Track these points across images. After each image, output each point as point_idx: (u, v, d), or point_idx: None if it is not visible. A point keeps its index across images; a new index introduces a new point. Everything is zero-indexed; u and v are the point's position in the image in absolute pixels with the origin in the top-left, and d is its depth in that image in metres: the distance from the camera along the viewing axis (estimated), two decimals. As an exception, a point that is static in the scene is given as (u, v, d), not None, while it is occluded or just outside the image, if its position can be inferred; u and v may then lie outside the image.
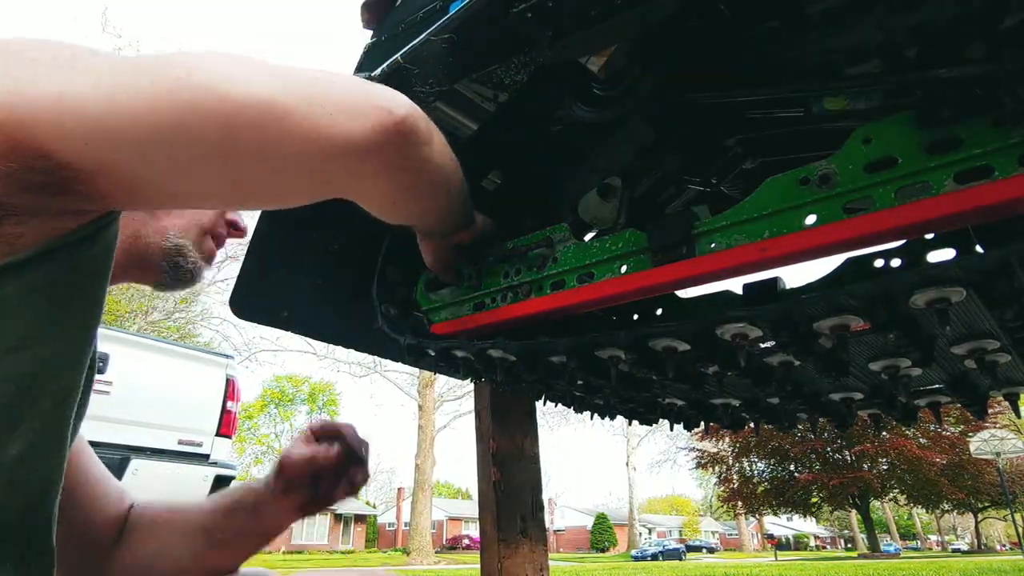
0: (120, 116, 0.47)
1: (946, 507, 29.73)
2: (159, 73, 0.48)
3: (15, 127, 0.45)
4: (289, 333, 1.35)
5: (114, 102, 0.47)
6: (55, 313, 0.51)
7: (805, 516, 30.42)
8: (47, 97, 0.46)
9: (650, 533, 58.33)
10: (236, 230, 0.88)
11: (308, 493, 0.85)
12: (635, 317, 1.20)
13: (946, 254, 0.83)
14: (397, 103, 0.57)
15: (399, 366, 21.33)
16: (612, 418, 1.37)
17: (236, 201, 0.66)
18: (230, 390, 4.96)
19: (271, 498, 0.85)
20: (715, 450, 29.00)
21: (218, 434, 4.81)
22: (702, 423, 1.33)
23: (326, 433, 0.87)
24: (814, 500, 27.43)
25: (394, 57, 0.87)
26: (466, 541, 47.92)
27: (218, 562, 0.87)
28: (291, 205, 0.62)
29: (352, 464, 0.87)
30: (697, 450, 29.35)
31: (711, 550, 50.69)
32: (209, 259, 0.84)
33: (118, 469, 4.06)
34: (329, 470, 0.85)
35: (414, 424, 24.19)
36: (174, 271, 0.79)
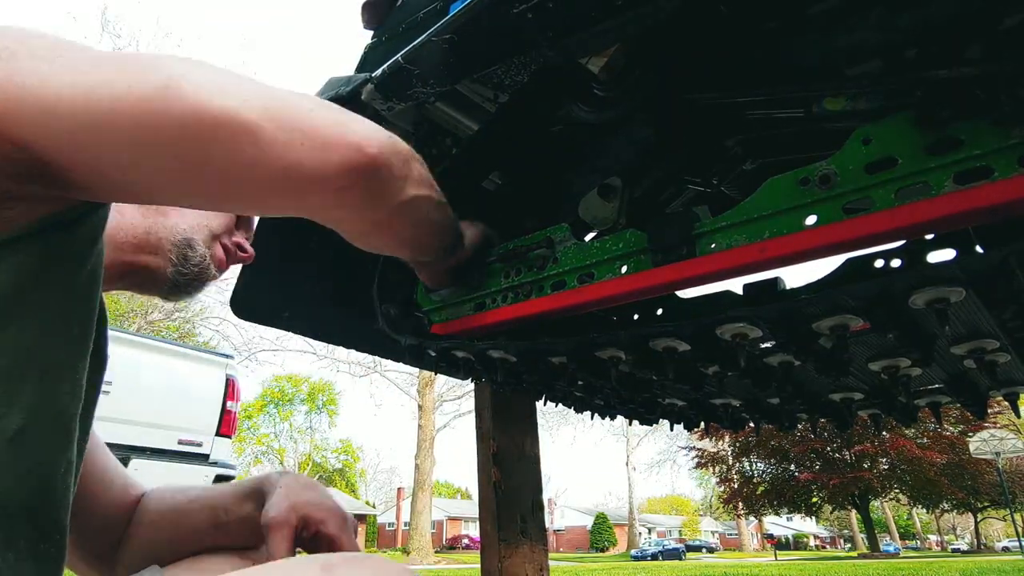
0: (96, 116, 0.47)
1: (946, 507, 29.75)
2: (139, 78, 0.48)
3: None
4: (289, 333, 1.35)
5: (91, 102, 0.47)
6: (26, 295, 0.52)
7: (806, 516, 30.44)
8: (26, 90, 0.46)
9: (650, 533, 58.33)
10: (242, 252, 0.90)
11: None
12: (635, 317, 1.20)
13: (946, 254, 0.83)
14: (370, 140, 0.56)
15: (399, 366, 21.35)
16: (612, 418, 1.38)
17: (212, 206, 0.67)
18: (230, 390, 4.96)
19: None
20: (715, 449, 29.02)
21: (218, 434, 4.82)
22: (702, 423, 1.34)
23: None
24: (814, 500, 27.45)
25: (395, 58, 0.87)
26: (466, 541, 47.93)
27: (219, 541, 0.87)
28: (268, 215, 0.62)
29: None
30: (697, 449, 29.37)
31: (711, 550, 50.70)
32: (219, 265, 0.86)
33: (118, 469, 4.06)
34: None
35: (414, 424, 24.21)
36: (183, 263, 0.81)
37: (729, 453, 28.99)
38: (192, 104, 0.48)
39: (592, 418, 1.37)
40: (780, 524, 62.17)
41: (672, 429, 1.38)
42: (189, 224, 0.83)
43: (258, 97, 0.51)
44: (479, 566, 1.50)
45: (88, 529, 0.83)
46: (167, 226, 0.81)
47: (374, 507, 54.90)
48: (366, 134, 0.56)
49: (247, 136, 0.50)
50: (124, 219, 0.78)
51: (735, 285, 0.97)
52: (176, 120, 0.48)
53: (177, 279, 0.82)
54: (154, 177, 0.53)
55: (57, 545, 0.57)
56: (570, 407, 1.32)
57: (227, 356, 5.36)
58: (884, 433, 22.48)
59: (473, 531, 49.01)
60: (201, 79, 0.49)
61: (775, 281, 0.91)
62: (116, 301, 19.00)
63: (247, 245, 0.91)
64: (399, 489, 49.16)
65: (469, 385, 1.66)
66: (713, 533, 64.11)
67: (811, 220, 0.69)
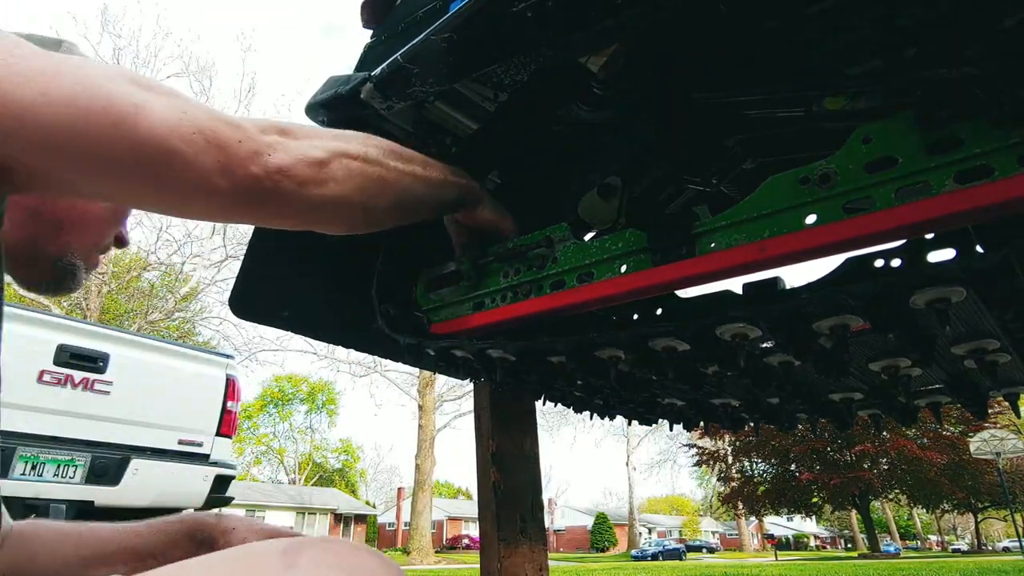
0: (64, 131, 0.49)
1: (946, 507, 29.75)
2: (105, 100, 0.51)
3: None
4: (289, 333, 1.35)
5: (59, 116, 0.49)
6: None
7: (806, 516, 30.46)
8: None
9: (650, 533, 58.34)
10: (120, 243, 0.89)
11: None
12: (635, 317, 1.20)
13: (946, 254, 0.83)
14: (267, 157, 0.58)
15: (399, 366, 21.33)
16: (612, 418, 1.37)
17: (136, 207, 0.69)
18: (230, 390, 4.95)
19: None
20: (714, 448, 29.06)
21: (218, 434, 4.81)
22: (702, 423, 1.34)
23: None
24: (815, 500, 27.45)
25: (394, 56, 0.87)
26: (466, 541, 47.92)
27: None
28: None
29: None
30: (697, 447, 29.41)
31: (711, 550, 50.71)
32: (92, 270, 0.85)
33: (118, 469, 4.06)
34: None
35: (414, 424, 24.22)
36: (57, 285, 0.79)
37: (729, 453, 29.01)
38: (147, 134, 0.52)
39: (592, 418, 1.37)
40: (780, 524, 62.16)
41: (672, 429, 1.38)
42: (81, 247, 0.80)
43: (200, 126, 0.55)
44: (479, 566, 1.49)
45: None
46: (59, 246, 0.77)
47: (374, 507, 54.89)
48: (263, 150, 0.58)
49: (172, 164, 0.53)
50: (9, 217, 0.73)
51: (735, 285, 0.97)
52: (136, 146, 0.52)
53: (43, 291, 0.79)
54: (105, 185, 0.56)
55: None
56: (570, 407, 1.32)
57: (227, 356, 5.34)
58: (884, 433, 22.49)
59: (473, 531, 48.99)
60: (157, 108, 0.53)
61: (775, 281, 0.91)
62: (115, 301, 19.01)
63: (126, 235, 0.89)
64: (399, 489, 49.15)
65: (469, 385, 1.65)
66: (713, 533, 64.10)
67: (811, 219, 0.69)
